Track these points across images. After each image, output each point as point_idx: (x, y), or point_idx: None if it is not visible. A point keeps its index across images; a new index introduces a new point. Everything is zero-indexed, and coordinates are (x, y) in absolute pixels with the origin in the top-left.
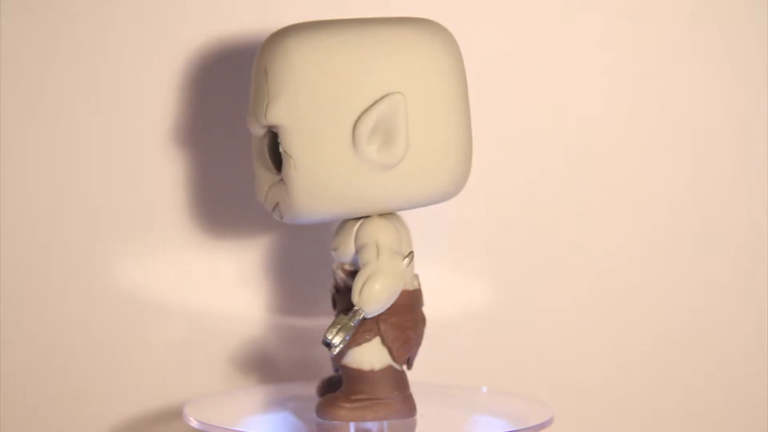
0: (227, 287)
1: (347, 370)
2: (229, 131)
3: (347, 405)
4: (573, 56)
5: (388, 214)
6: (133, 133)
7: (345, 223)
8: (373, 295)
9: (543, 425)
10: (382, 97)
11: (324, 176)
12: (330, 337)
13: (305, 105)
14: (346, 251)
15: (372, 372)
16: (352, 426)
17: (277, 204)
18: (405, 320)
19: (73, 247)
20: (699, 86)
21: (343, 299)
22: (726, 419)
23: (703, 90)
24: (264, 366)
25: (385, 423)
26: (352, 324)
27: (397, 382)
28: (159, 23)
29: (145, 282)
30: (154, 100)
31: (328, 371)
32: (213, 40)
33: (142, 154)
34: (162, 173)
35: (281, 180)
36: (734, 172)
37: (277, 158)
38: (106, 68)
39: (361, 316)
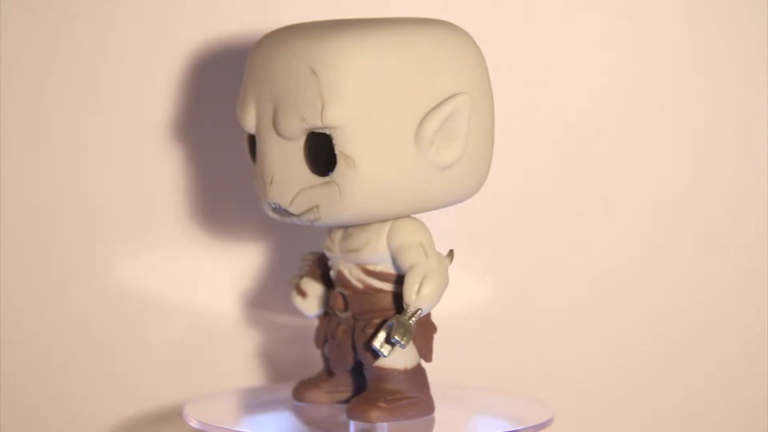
0: (227, 287)
1: (381, 371)
2: (230, 131)
3: (385, 405)
4: (573, 56)
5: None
6: (134, 132)
7: (365, 224)
8: (431, 294)
9: (543, 425)
10: (450, 97)
11: (385, 177)
12: (399, 339)
13: (364, 105)
14: (374, 252)
15: (405, 371)
16: (352, 426)
17: (315, 207)
18: (426, 317)
19: (73, 247)
20: (699, 86)
21: (361, 300)
22: (726, 419)
23: (703, 90)
24: (264, 366)
25: (385, 423)
26: (413, 324)
27: (424, 379)
28: (159, 23)
29: (145, 282)
30: (154, 100)
31: None
32: (213, 40)
33: (142, 154)
34: (162, 173)
35: (325, 182)
36: (734, 172)
37: (316, 160)
38: (105, 68)
39: (420, 315)
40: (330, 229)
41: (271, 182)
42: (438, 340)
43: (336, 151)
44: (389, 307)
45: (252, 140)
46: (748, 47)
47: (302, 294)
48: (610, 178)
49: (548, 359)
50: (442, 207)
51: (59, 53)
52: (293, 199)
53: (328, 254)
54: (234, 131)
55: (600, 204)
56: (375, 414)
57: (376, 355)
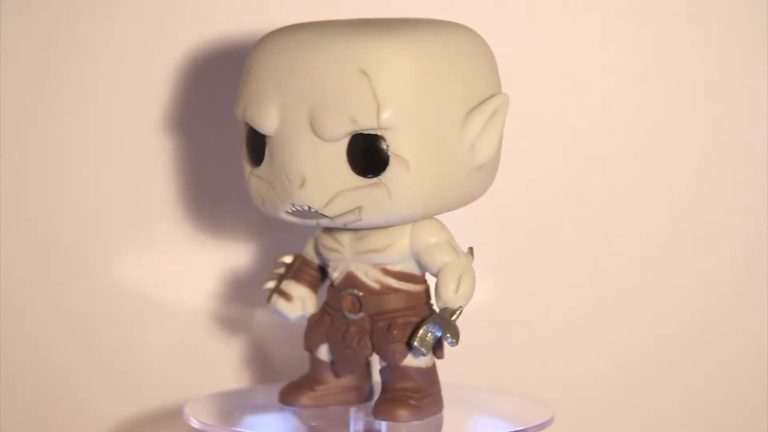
0: (227, 287)
1: (409, 370)
2: (230, 131)
3: (415, 404)
4: (573, 56)
5: None
6: (133, 132)
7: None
8: (469, 292)
9: (543, 425)
10: (490, 98)
11: (434, 178)
12: (452, 338)
13: (416, 106)
14: (396, 252)
15: (428, 369)
16: (352, 426)
17: (358, 208)
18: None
19: (72, 247)
20: (699, 86)
21: (378, 300)
22: (726, 419)
23: (703, 90)
24: (264, 366)
25: (384, 423)
26: (455, 322)
27: (437, 376)
28: (158, 23)
29: (145, 282)
30: (154, 100)
31: None
32: (212, 40)
33: (142, 154)
34: (162, 173)
35: (371, 184)
36: (734, 172)
37: (359, 162)
38: (105, 67)
39: (461, 313)
40: (330, 231)
41: (302, 185)
42: None
43: (389, 153)
44: (407, 306)
45: (258, 142)
46: (748, 47)
47: (287, 297)
48: (610, 179)
49: (548, 359)
50: (461, 207)
51: (59, 53)
52: (330, 201)
53: (330, 256)
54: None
55: (600, 204)
56: (407, 413)
57: (404, 354)
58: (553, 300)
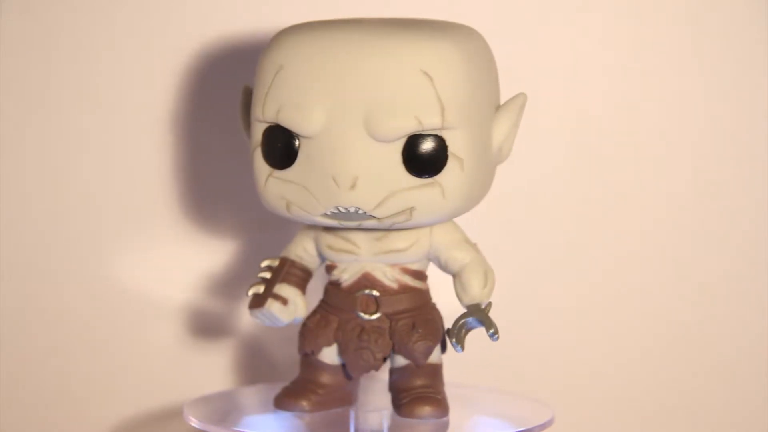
0: (227, 286)
1: (431, 367)
2: (230, 130)
3: (441, 399)
4: (573, 56)
5: None
6: (133, 131)
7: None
8: (493, 288)
9: (544, 426)
10: (513, 98)
11: (479, 175)
12: (495, 332)
13: (469, 106)
14: (419, 251)
15: (440, 366)
16: (352, 425)
17: (410, 209)
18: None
19: (72, 246)
20: (699, 86)
21: (396, 300)
22: (726, 419)
23: (703, 90)
24: (264, 366)
25: (385, 423)
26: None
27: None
28: (158, 22)
29: (145, 281)
30: (154, 99)
31: None
32: (212, 40)
33: (141, 153)
34: (161, 172)
35: (426, 184)
36: (734, 172)
37: (417, 162)
38: (105, 67)
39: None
40: (338, 232)
41: (353, 186)
42: None
43: (448, 153)
44: (422, 304)
45: (289, 144)
46: (748, 47)
47: (283, 301)
48: (610, 179)
49: (548, 359)
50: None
51: (59, 52)
52: (381, 203)
53: (339, 257)
54: (235, 130)
55: (600, 204)
56: (437, 409)
57: (428, 352)
58: (554, 300)
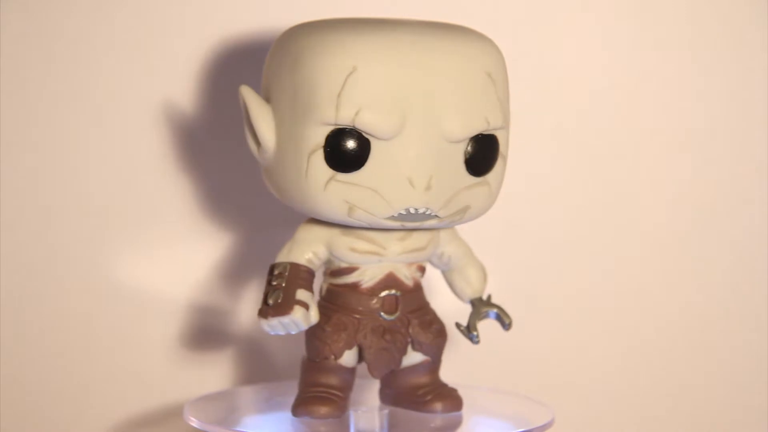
0: (228, 285)
1: (437, 363)
2: (230, 129)
3: (458, 393)
4: (573, 56)
5: None
6: (133, 129)
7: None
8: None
9: (544, 427)
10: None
11: (504, 175)
12: (510, 323)
13: (509, 107)
14: (433, 248)
15: None
16: (352, 425)
17: (466, 207)
18: None
19: (72, 245)
20: (699, 86)
21: (412, 298)
22: (726, 419)
23: (703, 90)
24: (265, 365)
25: (386, 422)
26: None
27: None
28: (159, 22)
29: (145, 280)
30: (155, 99)
31: None
32: (214, 39)
33: (141, 151)
34: (162, 171)
35: (478, 183)
36: (734, 172)
37: (479, 162)
38: (106, 66)
39: None
40: (359, 234)
41: (428, 187)
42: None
43: (499, 151)
44: (426, 301)
45: (361, 147)
46: (748, 47)
47: (306, 307)
48: (610, 178)
49: (548, 359)
50: None
51: (60, 50)
52: (447, 202)
53: (362, 259)
54: (234, 129)
55: (600, 204)
56: (460, 403)
57: (443, 347)
58: (554, 300)
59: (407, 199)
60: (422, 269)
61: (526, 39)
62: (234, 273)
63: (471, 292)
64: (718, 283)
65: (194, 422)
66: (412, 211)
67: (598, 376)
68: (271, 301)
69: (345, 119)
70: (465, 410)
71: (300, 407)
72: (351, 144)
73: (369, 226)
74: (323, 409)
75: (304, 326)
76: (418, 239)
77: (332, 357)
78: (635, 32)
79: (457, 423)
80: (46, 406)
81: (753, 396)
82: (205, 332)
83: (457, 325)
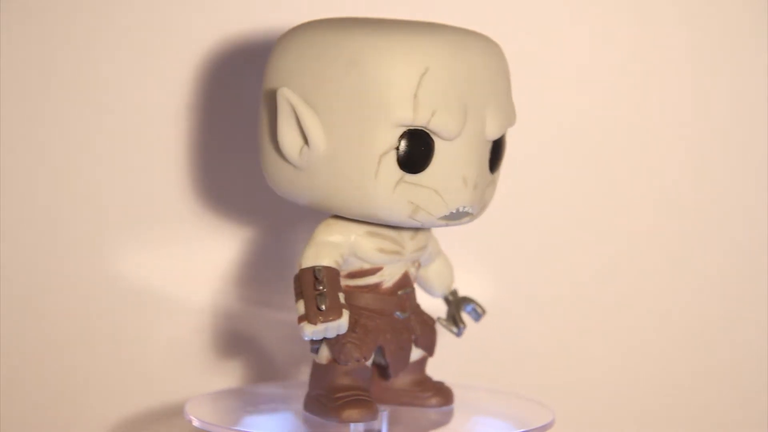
0: (230, 285)
1: (429, 358)
2: (231, 128)
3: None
4: (573, 56)
5: None
6: (136, 127)
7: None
8: None
9: (544, 428)
10: None
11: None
12: (483, 311)
13: None
14: (430, 248)
15: None
16: (352, 425)
17: (486, 204)
18: None
19: (73, 244)
20: (699, 86)
21: (413, 296)
22: (726, 419)
23: (703, 90)
24: (265, 365)
25: (385, 423)
26: None
27: None
28: (159, 22)
29: (146, 280)
30: (158, 96)
31: None
32: (217, 38)
33: (143, 149)
34: (164, 169)
35: (493, 180)
36: (734, 172)
37: (498, 159)
38: (107, 64)
39: None
40: (384, 234)
41: (475, 186)
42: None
43: (503, 150)
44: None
45: (428, 147)
46: (748, 47)
47: (348, 310)
48: (610, 177)
49: (548, 359)
50: None
51: (61, 49)
52: (480, 200)
53: (386, 259)
54: (235, 128)
55: (600, 203)
56: (453, 395)
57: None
58: (554, 300)
59: (460, 198)
60: (419, 267)
61: (526, 39)
62: (237, 272)
63: (442, 287)
64: (719, 283)
65: (195, 421)
66: (461, 209)
67: (598, 376)
68: (323, 307)
69: (423, 120)
70: (465, 410)
71: (341, 412)
72: (421, 145)
73: (422, 226)
74: (366, 413)
75: (344, 331)
76: (422, 238)
77: (363, 359)
78: (635, 32)
79: (458, 423)
80: (47, 405)
81: (753, 396)
82: (206, 332)
83: (439, 320)
